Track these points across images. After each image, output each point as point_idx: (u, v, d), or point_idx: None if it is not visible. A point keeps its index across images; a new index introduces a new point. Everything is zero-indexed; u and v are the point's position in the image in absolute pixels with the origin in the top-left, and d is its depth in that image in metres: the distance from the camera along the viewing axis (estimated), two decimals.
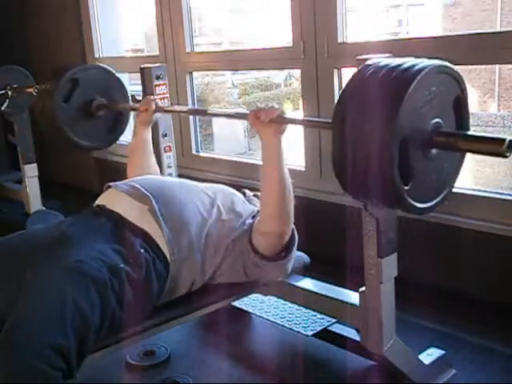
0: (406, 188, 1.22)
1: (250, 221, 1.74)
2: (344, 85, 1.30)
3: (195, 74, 3.30)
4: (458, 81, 1.30)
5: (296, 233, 1.71)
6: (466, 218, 2.13)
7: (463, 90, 1.32)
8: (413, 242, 2.06)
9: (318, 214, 2.54)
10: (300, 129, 2.66)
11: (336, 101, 1.30)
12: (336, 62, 2.45)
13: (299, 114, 2.69)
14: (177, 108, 2.21)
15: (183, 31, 3.16)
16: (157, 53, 3.39)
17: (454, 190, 2.19)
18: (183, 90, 3.20)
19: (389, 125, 1.16)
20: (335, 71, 2.47)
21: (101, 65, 2.58)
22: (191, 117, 3.26)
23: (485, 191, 2.17)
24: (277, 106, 1.61)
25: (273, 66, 2.92)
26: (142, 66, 2.39)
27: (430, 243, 2.23)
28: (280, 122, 1.59)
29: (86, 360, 1.33)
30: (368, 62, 1.30)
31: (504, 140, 1.14)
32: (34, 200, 3.33)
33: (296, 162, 2.76)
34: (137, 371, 1.85)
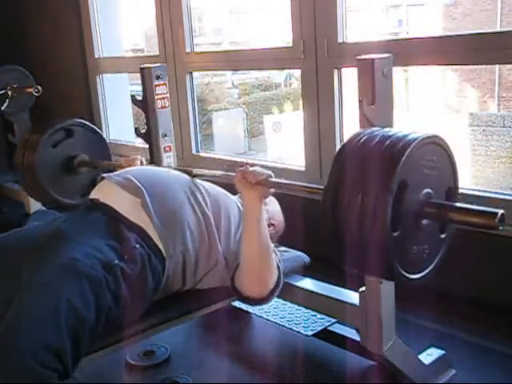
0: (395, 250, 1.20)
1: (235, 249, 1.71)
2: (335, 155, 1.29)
3: (195, 73, 3.30)
4: (454, 169, 1.31)
5: (281, 279, 1.69)
6: None
7: (456, 182, 1.33)
8: None
9: (318, 213, 2.53)
10: (300, 129, 2.66)
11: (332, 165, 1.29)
12: (336, 61, 2.45)
13: (299, 115, 2.69)
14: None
15: (183, 31, 3.16)
16: (157, 53, 3.39)
17: None
18: (183, 90, 3.20)
19: (384, 185, 1.16)
20: (335, 71, 2.47)
21: (81, 121, 2.57)
22: (191, 117, 3.26)
23: (485, 191, 2.17)
24: (266, 171, 1.61)
25: (273, 66, 2.93)
26: (142, 65, 2.39)
27: None
28: (267, 185, 1.59)
29: (85, 360, 1.33)
30: (359, 131, 1.31)
31: (496, 214, 1.13)
32: (34, 200, 3.32)
33: (296, 162, 2.76)
34: (137, 371, 1.85)
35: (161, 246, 1.57)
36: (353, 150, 1.27)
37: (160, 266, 1.56)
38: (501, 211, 1.13)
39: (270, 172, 1.61)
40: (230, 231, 1.73)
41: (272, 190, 1.65)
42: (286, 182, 1.65)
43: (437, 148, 1.27)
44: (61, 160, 2.38)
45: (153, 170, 1.88)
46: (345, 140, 1.32)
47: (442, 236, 1.34)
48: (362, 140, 1.26)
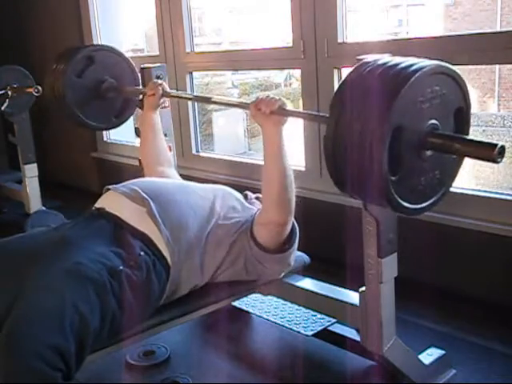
0: (393, 178, 1.20)
1: (250, 222, 1.74)
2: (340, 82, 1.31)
3: (195, 73, 3.30)
4: (463, 90, 1.29)
5: (296, 226, 1.73)
6: (466, 218, 2.13)
7: (466, 101, 1.31)
8: (413, 242, 2.06)
9: (317, 213, 2.54)
10: (300, 129, 2.66)
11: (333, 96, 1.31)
12: (336, 61, 2.45)
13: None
14: (182, 94, 2.21)
15: (183, 31, 3.16)
16: (157, 53, 3.40)
17: (453, 189, 2.22)
18: (183, 90, 3.20)
19: (383, 114, 1.16)
20: (335, 71, 2.48)
21: (113, 46, 2.56)
22: (191, 117, 3.26)
23: (485, 191, 2.17)
24: (277, 98, 1.62)
25: (273, 66, 2.93)
26: (142, 65, 2.39)
27: (430, 243, 2.23)
28: (280, 113, 1.62)
29: (86, 360, 1.33)
30: (366, 60, 1.31)
31: (495, 145, 1.14)
32: (34, 200, 3.33)
33: (296, 161, 2.76)
34: (137, 371, 1.85)
35: (166, 254, 1.58)
36: (357, 76, 1.29)
37: (165, 273, 1.57)
38: (500, 143, 1.14)
39: (282, 100, 1.63)
40: (238, 231, 1.73)
41: None
42: (296, 110, 1.63)
43: (438, 76, 1.25)
44: (89, 85, 2.38)
45: (158, 182, 1.89)
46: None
47: (447, 168, 1.34)
48: (367, 68, 1.27)
